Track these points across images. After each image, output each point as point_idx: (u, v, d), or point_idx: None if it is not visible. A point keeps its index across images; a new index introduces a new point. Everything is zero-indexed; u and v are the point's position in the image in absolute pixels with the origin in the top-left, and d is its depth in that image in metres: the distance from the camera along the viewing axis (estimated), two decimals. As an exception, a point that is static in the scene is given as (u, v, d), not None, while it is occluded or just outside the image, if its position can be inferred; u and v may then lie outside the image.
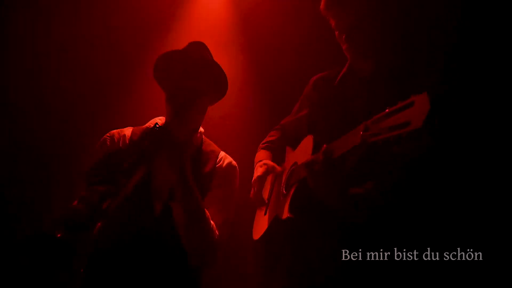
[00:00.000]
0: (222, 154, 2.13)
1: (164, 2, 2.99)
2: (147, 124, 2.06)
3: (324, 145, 1.76)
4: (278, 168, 2.21)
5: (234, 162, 2.14)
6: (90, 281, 1.79)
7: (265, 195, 2.24)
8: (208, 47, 2.10)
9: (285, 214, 1.90)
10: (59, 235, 1.47)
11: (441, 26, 2.67)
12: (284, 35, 3.02)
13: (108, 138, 1.97)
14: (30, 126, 2.87)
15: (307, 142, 2.00)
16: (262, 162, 2.22)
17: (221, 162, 2.08)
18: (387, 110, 1.52)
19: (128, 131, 2.01)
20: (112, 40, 2.87)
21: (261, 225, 2.20)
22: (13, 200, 2.81)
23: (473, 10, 2.65)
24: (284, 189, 2.07)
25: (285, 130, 2.36)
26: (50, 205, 2.72)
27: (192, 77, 1.90)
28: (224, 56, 2.93)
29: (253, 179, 2.18)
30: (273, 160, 2.29)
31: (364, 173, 1.85)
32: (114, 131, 2.00)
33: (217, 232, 1.92)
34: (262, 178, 2.15)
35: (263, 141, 2.40)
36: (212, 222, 1.91)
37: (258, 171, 2.17)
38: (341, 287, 1.94)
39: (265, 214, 2.20)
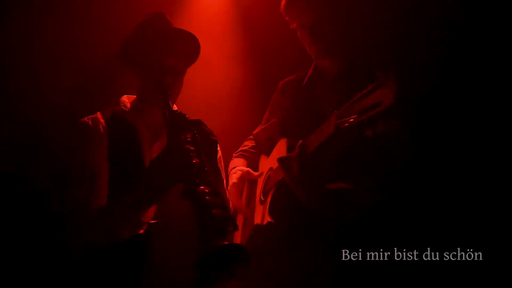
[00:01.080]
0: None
1: (165, 1, 3.00)
2: (118, 106, 1.96)
3: (300, 141, 1.75)
4: (253, 173, 2.16)
5: (215, 136, 2.04)
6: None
7: (242, 203, 2.18)
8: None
9: (266, 219, 1.86)
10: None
11: (408, 22, 2.62)
12: (283, 33, 3.02)
13: (88, 123, 1.86)
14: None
15: (281, 145, 1.98)
16: (236, 168, 2.19)
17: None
18: (357, 95, 1.55)
19: (99, 115, 1.90)
20: (111, 39, 2.87)
21: (242, 234, 2.12)
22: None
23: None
24: (262, 195, 2.02)
25: (258, 139, 2.31)
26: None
27: (171, 53, 1.85)
28: (224, 55, 3.01)
29: (228, 187, 2.12)
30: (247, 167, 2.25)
31: (342, 170, 1.83)
32: (85, 119, 1.88)
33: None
34: (237, 185, 2.10)
35: (237, 151, 2.38)
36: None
37: (233, 178, 2.14)
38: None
39: (244, 223, 2.13)
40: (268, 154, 2.18)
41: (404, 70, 2.01)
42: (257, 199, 2.05)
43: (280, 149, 1.97)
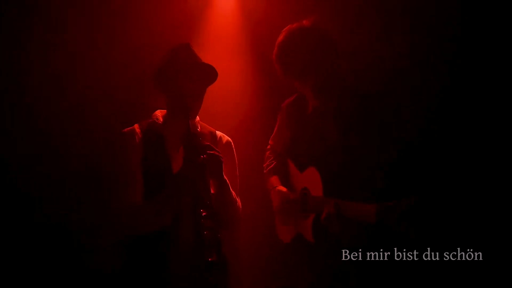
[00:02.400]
0: (218, 133, 2.41)
1: (183, 16, 3.22)
2: (151, 118, 2.30)
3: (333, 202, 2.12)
4: (291, 195, 2.45)
5: (229, 138, 2.43)
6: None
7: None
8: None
9: (309, 237, 2.28)
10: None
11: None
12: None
13: (126, 134, 2.22)
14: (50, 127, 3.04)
15: (313, 174, 2.27)
16: (278, 189, 2.50)
17: (220, 140, 2.37)
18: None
19: (136, 127, 2.26)
20: (136, 49, 3.10)
21: (291, 230, 2.45)
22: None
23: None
24: (301, 209, 2.35)
25: (276, 149, 2.65)
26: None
27: (193, 78, 2.20)
28: (235, 64, 3.18)
29: (276, 206, 2.49)
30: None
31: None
32: (124, 130, 2.25)
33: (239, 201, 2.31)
34: (285, 206, 2.41)
35: (266, 166, 2.67)
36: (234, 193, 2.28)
37: (276, 199, 2.48)
38: None
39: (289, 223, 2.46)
40: (294, 161, 2.49)
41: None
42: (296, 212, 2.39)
43: (312, 176, 2.28)
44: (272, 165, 2.63)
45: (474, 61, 2.78)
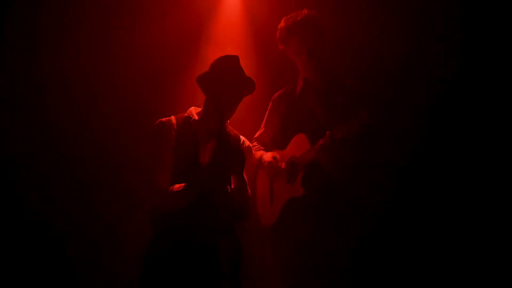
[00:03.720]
0: (242, 137, 2.63)
1: (189, 19, 3.39)
2: (186, 113, 2.50)
3: (328, 132, 2.40)
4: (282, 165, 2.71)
5: (250, 144, 2.66)
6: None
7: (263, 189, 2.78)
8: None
9: (300, 192, 2.53)
10: None
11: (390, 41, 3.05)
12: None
13: (164, 123, 2.42)
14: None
15: (301, 139, 2.61)
16: (268, 153, 2.78)
17: (244, 143, 2.60)
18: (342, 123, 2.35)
19: (172, 118, 2.47)
20: (158, 48, 3.31)
21: (270, 212, 2.71)
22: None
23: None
24: (289, 176, 2.62)
25: (262, 140, 2.92)
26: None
27: (234, 88, 2.42)
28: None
29: (265, 166, 2.73)
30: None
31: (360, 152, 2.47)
32: (163, 119, 2.44)
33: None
34: (274, 164, 2.69)
35: (254, 148, 2.87)
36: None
37: (266, 158, 2.74)
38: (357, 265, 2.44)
39: (271, 202, 2.72)
40: (278, 149, 2.78)
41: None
42: (282, 181, 2.67)
43: (300, 141, 2.62)
44: (258, 147, 2.90)
45: (474, 61, 2.83)
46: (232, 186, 2.39)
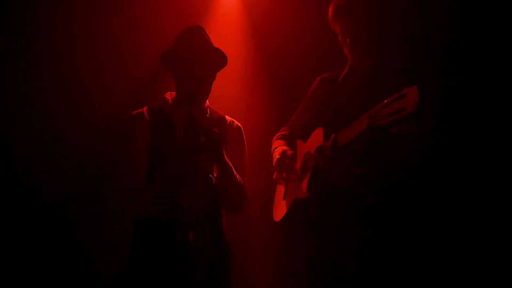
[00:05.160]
0: (229, 118, 2.40)
1: (187, 12, 3.29)
2: (161, 100, 2.31)
3: (333, 135, 2.08)
4: (292, 153, 2.46)
5: (240, 124, 2.42)
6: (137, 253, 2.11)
7: (283, 180, 2.51)
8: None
9: (304, 194, 2.25)
10: None
11: (437, 29, 2.88)
12: (292, 38, 3.28)
13: (134, 117, 2.24)
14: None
15: (318, 134, 2.29)
16: (280, 147, 2.50)
17: (230, 125, 2.37)
18: (385, 101, 1.84)
19: (144, 109, 2.27)
20: (144, 42, 3.20)
21: (281, 208, 2.50)
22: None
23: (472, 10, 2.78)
24: (300, 174, 2.36)
25: (294, 126, 2.63)
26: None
27: (199, 66, 2.18)
28: (238, 58, 3.26)
29: (274, 163, 2.45)
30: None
31: (368, 158, 2.17)
32: (133, 113, 2.26)
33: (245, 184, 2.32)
34: (281, 161, 2.41)
35: (277, 134, 2.67)
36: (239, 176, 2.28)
37: (276, 155, 2.46)
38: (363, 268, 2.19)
39: (284, 198, 2.48)
40: (303, 139, 2.51)
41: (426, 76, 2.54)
42: (295, 177, 2.41)
43: (317, 137, 2.31)
44: (282, 133, 2.66)
45: (475, 60, 2.77)
46: (215, 175, 2.17)
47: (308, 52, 3.22)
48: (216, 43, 2.30)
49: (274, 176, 2.48)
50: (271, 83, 3.25)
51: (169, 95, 2.32)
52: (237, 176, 2.25)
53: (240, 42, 3.34)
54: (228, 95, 3.20)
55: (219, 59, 2.24)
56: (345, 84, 2.40)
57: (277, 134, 2.67)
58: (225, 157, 2.15)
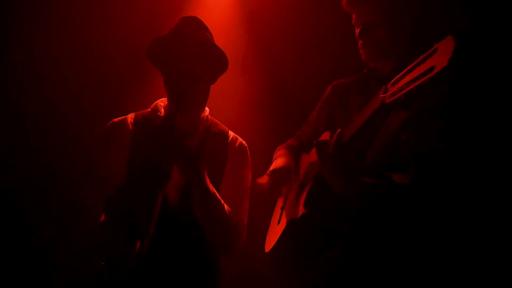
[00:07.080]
0: (231, 133, 2.05)
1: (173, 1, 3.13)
2: (149, 108, 1.98)
3: (339, 129, 1.70)
4: (293, 174, 2.06)
5: (244, 142, 2.06)
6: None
7: (279, 205, 2.14)
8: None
9: (300, 212, 1.82)
10: None
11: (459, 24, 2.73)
12: (287, 32, 3.16)
13: (115, 125, 1.92)
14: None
15: (324, 137, 1.88)
16: (280, 158, 2.10)
17: (232, 142, 2.01)
18: (410, 65, 1.44)
19: (130, 117, 1.95)
20: (122, 37, 3.02)
21: (273, 236, 2.06)
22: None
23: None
24: (298, 190, 1.98)
25: (303, 137, 2.26)
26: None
27: (190, 61, 1.81)
28: (231, 53, 3.12)
29: (269, 169, 2.02)
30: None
31: (374, 164, 1.79)
32: (114, 120, 1.94)
33: (234, 217, 1.89)
34: (276, 172, 1.99)
35: (281, 145, 2.30)
36: (228, 208, 1.87)
37: (273, 165, 2.06)
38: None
39: (278, 223, 2.07)
40: (308, 151, 2.11)
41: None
42: (293, 198, 1.99)
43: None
44: (287, 143, 2.26)
45: (475, 60, 2.75)
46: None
47: (303, 48, 3.10)
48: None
49: (266, 192, 1.99)
50: (265, 78, 3.14)
51: (162, 102, 1.98)
52: (225, 206, 1.84)
53: (234, 37, 3.16)
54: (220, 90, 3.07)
55: (218, 58, 1.86)
56: (362, 88, 2.01)
57: (282, 144, 2.29)
58: (205, 180, 1.73)
